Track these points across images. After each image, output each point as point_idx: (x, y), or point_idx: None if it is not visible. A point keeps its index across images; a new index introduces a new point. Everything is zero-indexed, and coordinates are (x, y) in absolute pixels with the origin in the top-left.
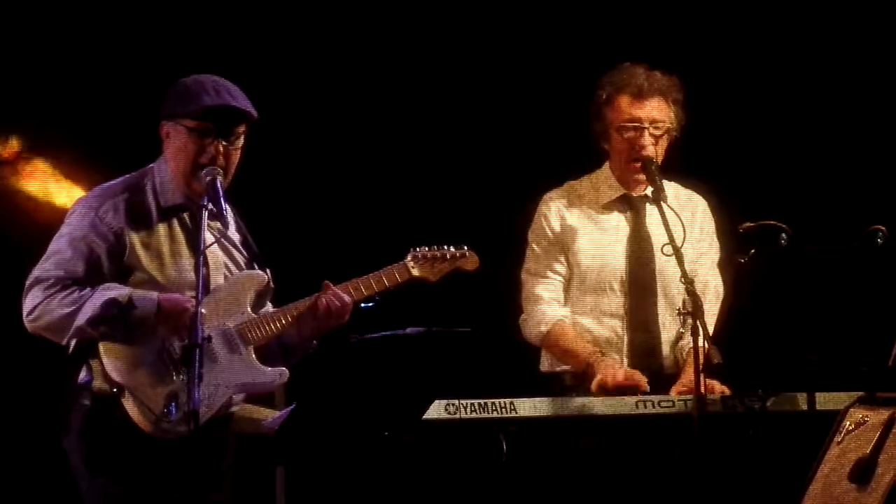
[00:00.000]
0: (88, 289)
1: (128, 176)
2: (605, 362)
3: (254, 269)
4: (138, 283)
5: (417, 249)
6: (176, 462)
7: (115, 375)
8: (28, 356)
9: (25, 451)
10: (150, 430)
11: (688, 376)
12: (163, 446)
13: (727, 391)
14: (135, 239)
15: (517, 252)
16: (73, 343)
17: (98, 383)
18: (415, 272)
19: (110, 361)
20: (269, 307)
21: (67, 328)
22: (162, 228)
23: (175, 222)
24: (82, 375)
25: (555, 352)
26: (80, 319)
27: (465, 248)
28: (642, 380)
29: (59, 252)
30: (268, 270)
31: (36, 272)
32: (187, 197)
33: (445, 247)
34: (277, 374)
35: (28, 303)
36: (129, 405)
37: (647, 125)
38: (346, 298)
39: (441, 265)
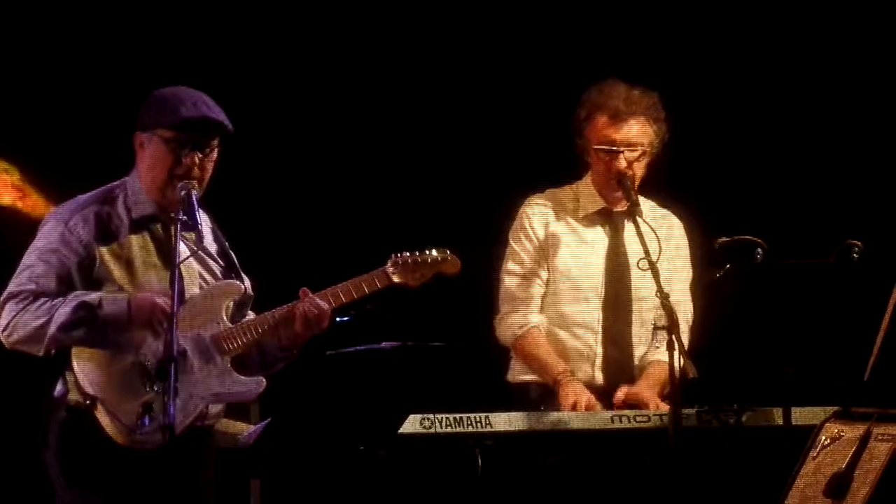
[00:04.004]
0: (60, 299)
1: (101, 188)
2: (569, 386)
3: (231, 278)
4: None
5: (398, 255)
6: (151, 473)
7: (87, 387)
8: (6, 370)
9: (5, 465)
10: (123, 441)
11: (639, 387)
12: (138, 458)
13: (662, 406)
14: (104, 251)
15: (494, 262)
16: (51, 353)
17: (73, 396)
18: (395, 278)
19: (83, 373)
20: (250, 316)
21: (42, 339)
22: (133, 240)
23: (146, 233)
24: (58, 389)
25: (525, 359)
26: (52, 328)
27: (447, 251)
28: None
29: (30, 266)
30: (247, 280)
31: (10, 288)
32: (159, 207)
33: (427, 251)
34: (254, 384)
35: (3, 319)
36: (101, 417)
37: (622, 148)
38: (324, 306)
39: (422, 270)
